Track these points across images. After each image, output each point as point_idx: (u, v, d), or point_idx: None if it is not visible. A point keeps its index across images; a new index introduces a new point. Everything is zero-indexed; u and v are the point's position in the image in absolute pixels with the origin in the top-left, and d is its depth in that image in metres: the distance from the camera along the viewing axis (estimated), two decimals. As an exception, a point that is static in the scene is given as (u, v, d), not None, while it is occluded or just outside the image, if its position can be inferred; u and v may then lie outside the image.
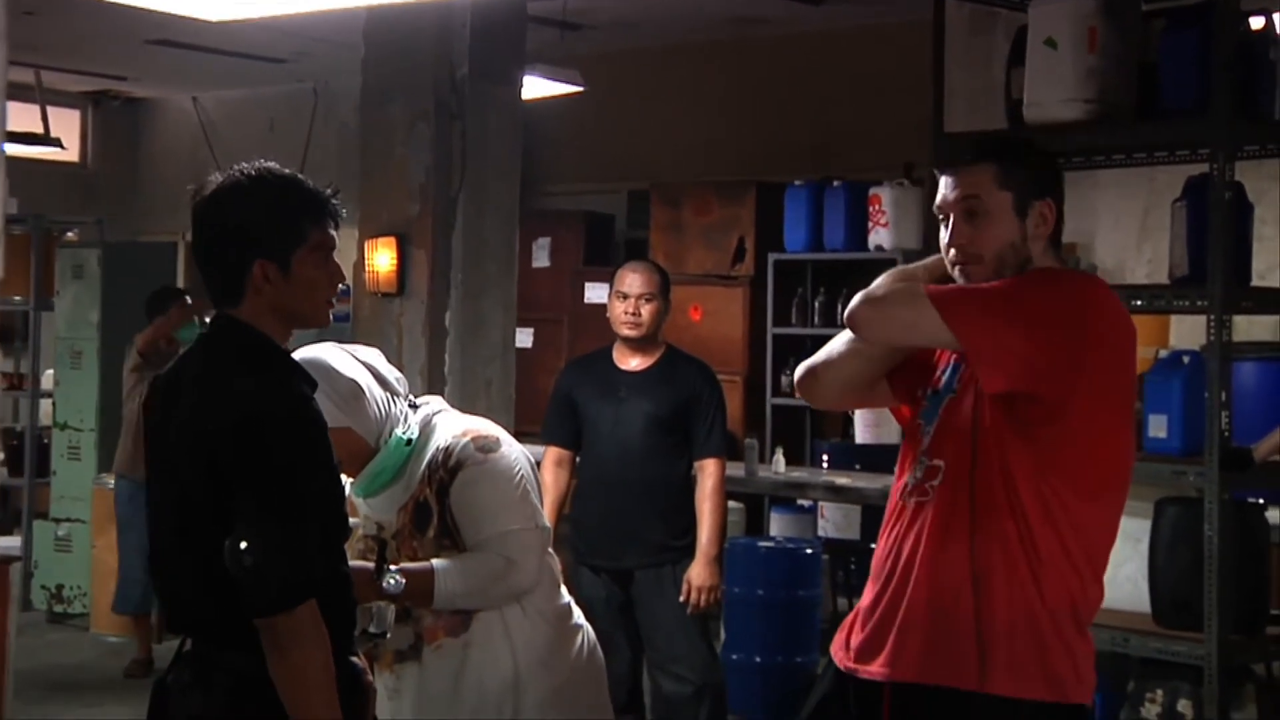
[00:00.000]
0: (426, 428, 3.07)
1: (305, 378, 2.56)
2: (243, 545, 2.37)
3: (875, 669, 2.58)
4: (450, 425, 3.08)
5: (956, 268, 2.61)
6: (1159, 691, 4.29)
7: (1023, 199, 2.59)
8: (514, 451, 3.07)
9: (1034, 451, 2.49)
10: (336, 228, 2.57)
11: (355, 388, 2.96)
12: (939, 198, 2.64)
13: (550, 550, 3.17)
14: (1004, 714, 2.49)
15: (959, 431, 2.56)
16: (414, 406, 3.10)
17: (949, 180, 2.62)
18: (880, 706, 2.56)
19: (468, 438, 3.04)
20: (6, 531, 8.66)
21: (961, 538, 2.51)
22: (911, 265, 2.74)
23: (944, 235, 2.63)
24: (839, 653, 2.68)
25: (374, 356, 3.08)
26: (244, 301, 2.52)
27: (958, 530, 2.51)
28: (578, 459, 5.08)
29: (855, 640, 2.63)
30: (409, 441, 3.03)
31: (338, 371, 2.94)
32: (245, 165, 2.55)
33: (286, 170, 2.57)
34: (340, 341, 3.15)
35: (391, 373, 3.08)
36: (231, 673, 2.47)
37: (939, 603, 2.51)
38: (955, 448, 2.56)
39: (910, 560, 2.56)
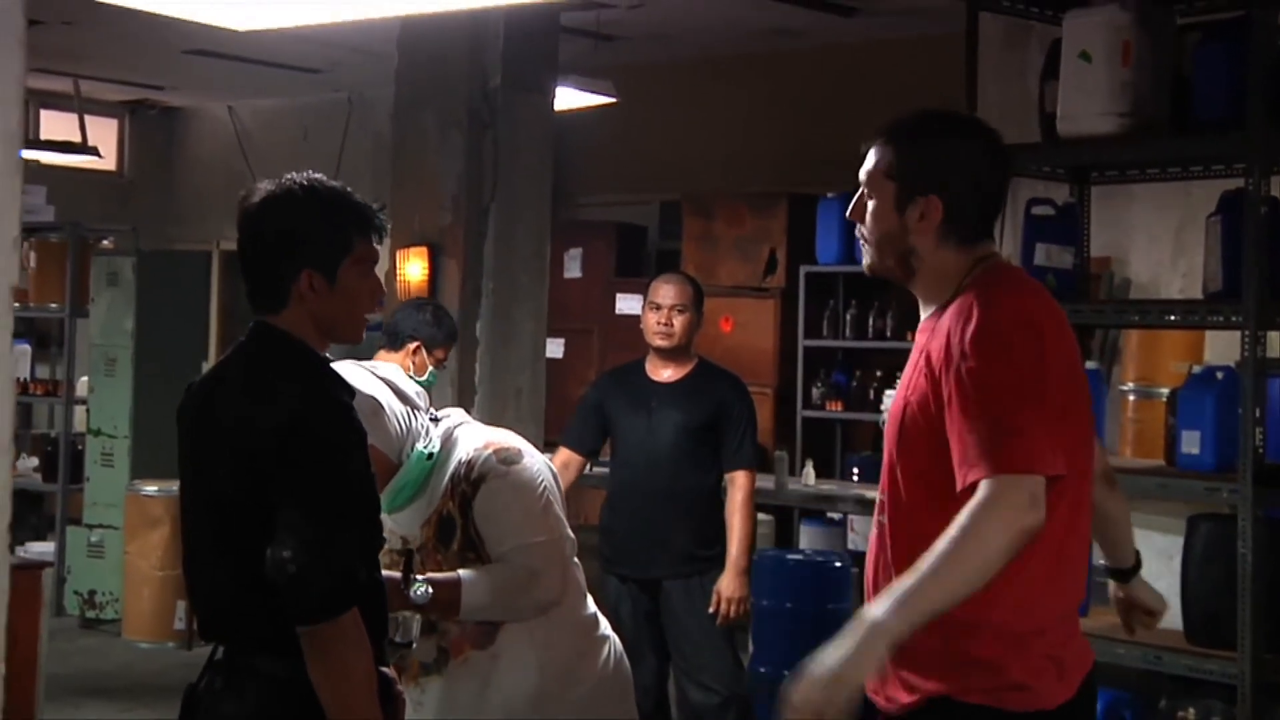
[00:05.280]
0: (448, 441, 3.07)
1: (345, 387, 2.57)
2: (285, 553, 2.37)
3: (879, 699, 2.50)
4: (472, 438, 3.08)
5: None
6: (1191, 710, 4.25)
7: (905, 193, 2.48)
8: (536, 463, 3.07)
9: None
10: (380, 241, 2.59)
11: (375, 404, 2.96)
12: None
13: (575, 560, 3.17)
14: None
15: (888, 456, 2.46)
16: (435, 420, 3.10)
17: (868, 155, 2.55)
18: None
19: (489, 450, 3.04)
20: (40, 537, 8.72)
21: (906, 557, 2.37)
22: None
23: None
24: None
25: (393, 372, 3.09)
26: (286, 309, 2.53)
27: (901, 551, 2.42)
28: (588, 467, 5.11)
29: None
30: (430, 455, 3.03)
31: (356, 389, 2.95)
32: (295, 175, 2.56)
33: (335, 182, 2.59)
34: (359, 358, 3.16)
35: (411, 387, 3.08)
36: (263, 678, 2.48)
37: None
38: (887, 478, 2.45)
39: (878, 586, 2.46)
